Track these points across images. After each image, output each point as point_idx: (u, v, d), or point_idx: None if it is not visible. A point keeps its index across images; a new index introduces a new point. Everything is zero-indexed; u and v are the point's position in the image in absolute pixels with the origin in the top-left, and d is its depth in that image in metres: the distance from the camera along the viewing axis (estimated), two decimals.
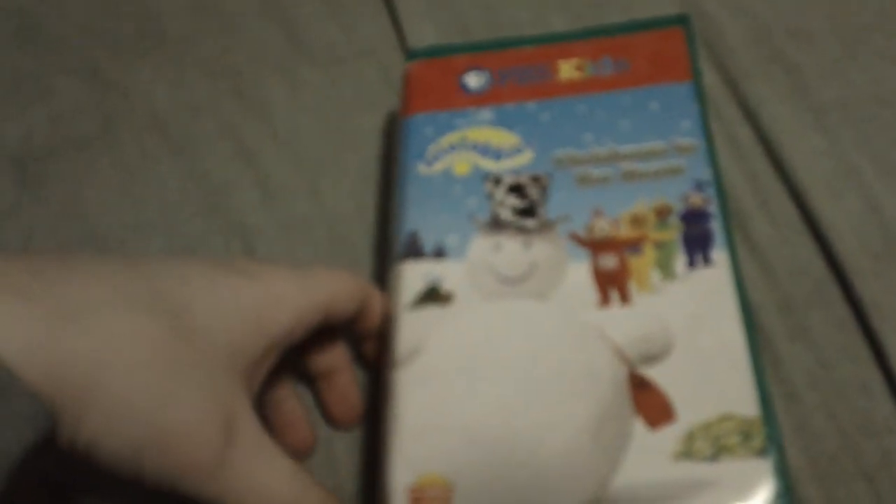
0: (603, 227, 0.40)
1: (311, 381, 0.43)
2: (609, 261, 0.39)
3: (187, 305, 0.34)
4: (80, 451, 0.31)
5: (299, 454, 0.42)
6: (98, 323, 0.31)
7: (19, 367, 0.29)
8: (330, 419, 0.43)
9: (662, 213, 0.40)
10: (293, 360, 0.42)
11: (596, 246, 0.40)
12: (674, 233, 0.39)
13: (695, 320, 0.37)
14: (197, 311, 0.34)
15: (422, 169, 0.43)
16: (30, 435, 0.29)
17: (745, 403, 0.35)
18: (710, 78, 0.50)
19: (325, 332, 0.41)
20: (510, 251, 0.40)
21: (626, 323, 0.38)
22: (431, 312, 0.39)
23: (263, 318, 0.36)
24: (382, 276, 0.46)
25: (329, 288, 0.39)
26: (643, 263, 0.39)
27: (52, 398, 0.29)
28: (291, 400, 0.42)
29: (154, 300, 0.33)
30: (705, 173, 0.41)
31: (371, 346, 0.42)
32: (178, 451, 0.32)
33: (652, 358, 0.37)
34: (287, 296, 0.37)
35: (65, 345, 0.30)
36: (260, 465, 0.34)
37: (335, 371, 0.42)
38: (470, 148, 0.43)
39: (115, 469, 0.32)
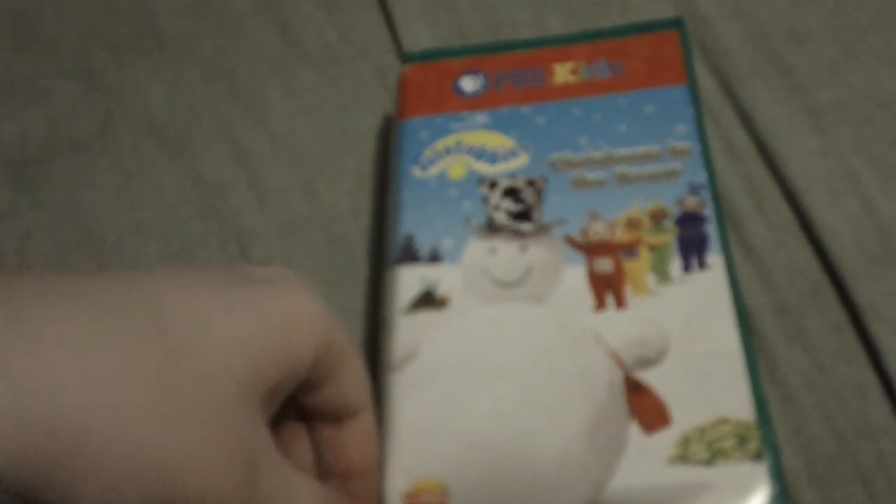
0: (598, 231, 0.40)
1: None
2: (605, 264, 0.39)
3: (193, 335, 0.29)
4: None
5: None
6: (86, 374, 0.26)
7: None
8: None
9: (658, 217, 0.40)
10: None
11: (591, 249, 0.40)
12: (669, 236, 0.39)
13: (690, 324, 0.37)
14: (204, 341, 0.29)
15: (417, 172, 0.43)
16: None
17: (741, 407, 0.35)
18: (705, 80, 0.50)
19: None
20: (505, 255, 0.40)
21: (621, 326, 0.38)
22: (427, 316, 0.39)
23: (287, 340, 0.31)
24: (378, 279, 0.46)
25: (343, 335, 0.33)
26: (639, 267, 0.39)
27: (26, 475, 0.25)
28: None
29: (159, 335, 0.28)
30: (700, 176, 0.41)
31: (335, 440, 0.35)
32: (193, 501, 0.28)
33: (647, 362, 0.37)
34: (313, 316, 0.32)
35: (41, 408, 0.25)
36: (287, 496, 0.31)
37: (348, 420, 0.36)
38: (465, 151, 0.43)
39: None
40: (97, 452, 0.26)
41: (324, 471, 0.35)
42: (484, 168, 0.43)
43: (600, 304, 0.38)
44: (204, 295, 0.30)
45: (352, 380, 0.34)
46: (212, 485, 0.28)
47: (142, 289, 0.29)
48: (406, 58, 0.48)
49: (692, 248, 0.39)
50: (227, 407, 0.29)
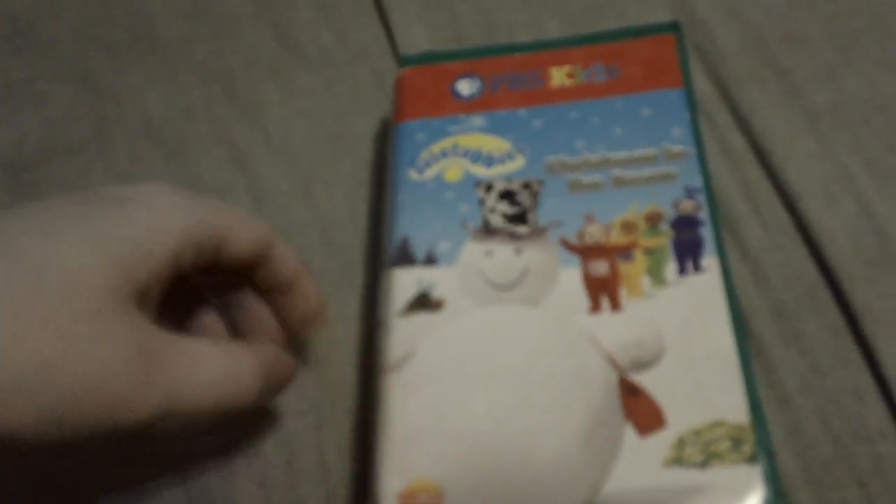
0: (594, 233, 0.40)
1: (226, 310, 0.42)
2: (600, 267, 0.39)
3: (53, 261, 0.32)
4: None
5: None
6: None
7: None
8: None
9: (653, 220, 0.40)
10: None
11: (587, 252, 0.40)
12: (665, 239, 0.39)
13: (686, 327, 0.37)
14: (65, 264, 0.32)
15: (413, 175, 0.43)
16: None
17: (736, 410, 0.35)
18: (702, 84, 0.50)
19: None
20: (501, 257, 0.40)
21: (617, 329, 0.38)
22: (423, 318, 0.39)
23: (146, 243, 0.34)
24: (374, 282, 0.46)
25: (222, 215, 0.38)
26: (634, 270, 0.39)
27: None
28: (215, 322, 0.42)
29: (17, 261, 0.32)
30: (696, 180, 0.41)
31: (284, 305, 0.41)
32: (99, 396, 0.32)
33: (643, 364, 0.37)
34: (171, 217, 0.35)
35: None
36: (186, 364, 0.34)
37: (248, 304, 0.41)
38: (461, 154, 0.43)
39: (45, 443, 0.31)
40: None
41: (282, 321, 0.41)
42: (480, 171, 0.43)
43: (596, 307, 0.38)
44: (60, 223, 0.33)
45: (281, 260, 0.40)
46: (110, 377, 0.32)
47: (9, 239, 0.32)
48: (403, 61, 0.48)
49: (688, 251, 0.39)
50: (105, 314, 0.32)
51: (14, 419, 0.31)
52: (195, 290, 0.41)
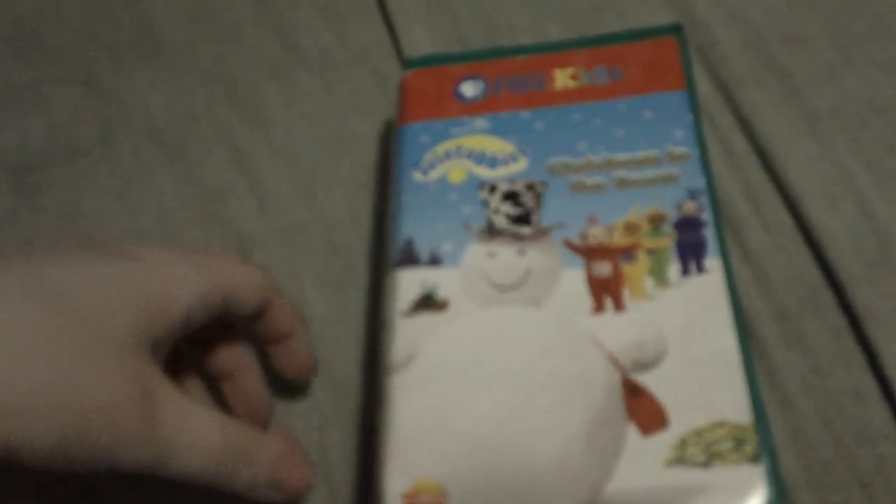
0: (597, 235, 0.40)
1: (214, 382, 0.44)
2: (603, 268, 0.39)
3: (76, 292, 0.34)
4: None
5: None
6: None
7: None
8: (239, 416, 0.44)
9: (656, 221, 0.40)
10: (195, 357, 0.43)
11: (590, 253, 0.40)
12: (667, 240, 0.40)
13: (688, 327, 0.37)
14: (87, 296, 0.34)
15: (417, 177, 0.43)
16: None
17: (738, 410, 0.35)
18: (703, 85, 0.50)
19: (226, 330, 0.43)
20: (504, 258, 0.40)
21: (619, 329, 0.38)
22: (426, 319, 0.39)
23: (163, 300, 0.36)
24: (378, 283, 0.46)
25: (230, 275, 0.40)
26: (637, 271, 0.39)
27: None
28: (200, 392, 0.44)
29: (48, 293, 0.34)
30: (699, 182, 0.41)
31: (279, 355, 0.43)
32: (102, 429, 0.33)
33: (645, 364, 0.37)
34: (186, 279, 0.38)
35: None
36: (186, 420, 0.36)
37: (238, 371, 0.43)
38: (465, 156, 0.43)
39: (43, 465, 0.32)
40: (5, 385, 0.31)
41: (277, 372, 0.44)
42: (484, 172, 0.43)
43: (598, 308, 0.39)
44: (89, 270, 0.36)
45: (280, 313, 0.42)
46: (116, 413, 0.33)
47: (34, 268, 0.35)
48: (407, 63, 0.48)
49: (690, 253, 0.39)
50: (119, 349, 0.34)
51: (25, 434, 0.31)
52: (184, 360, 0.43)
